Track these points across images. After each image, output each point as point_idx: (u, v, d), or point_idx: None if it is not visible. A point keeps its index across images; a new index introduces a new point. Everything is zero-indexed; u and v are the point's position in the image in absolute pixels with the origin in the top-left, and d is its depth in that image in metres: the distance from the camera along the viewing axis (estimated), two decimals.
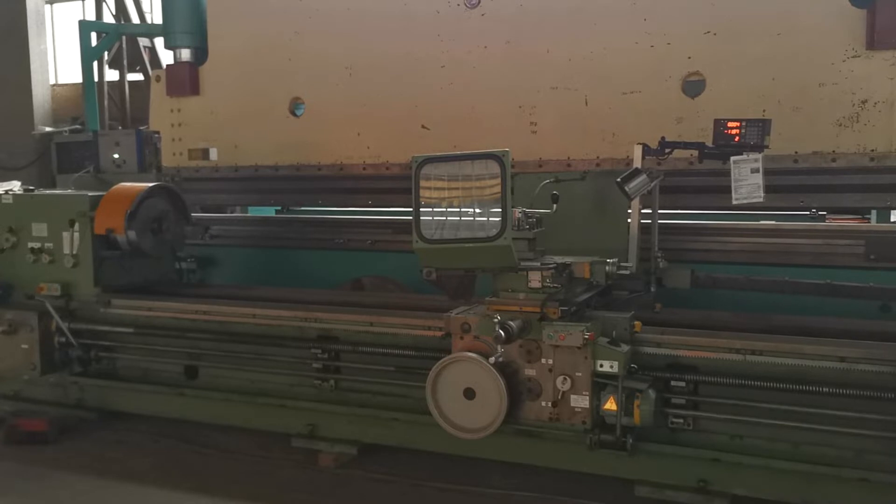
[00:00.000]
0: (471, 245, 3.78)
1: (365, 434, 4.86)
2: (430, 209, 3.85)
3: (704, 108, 4.84)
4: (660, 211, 4.61)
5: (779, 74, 4.74)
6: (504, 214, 3.69)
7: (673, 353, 4.08)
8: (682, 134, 4.73)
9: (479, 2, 5.42)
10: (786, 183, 4.74)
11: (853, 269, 4.80)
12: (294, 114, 6.16)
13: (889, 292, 4.57)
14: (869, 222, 5.89)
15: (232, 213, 7.45)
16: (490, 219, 3.74)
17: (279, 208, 7.40)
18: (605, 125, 5.14)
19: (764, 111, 4.68)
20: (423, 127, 5.65)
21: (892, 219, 6.08)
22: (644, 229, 4.53)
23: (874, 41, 4.52)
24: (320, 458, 4.89)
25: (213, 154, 6.37)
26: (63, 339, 5.43)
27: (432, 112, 5.63)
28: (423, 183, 3.84)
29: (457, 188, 3.80)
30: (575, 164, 5.22)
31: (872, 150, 4.61)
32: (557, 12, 5.23)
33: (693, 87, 4.98)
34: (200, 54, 6.51)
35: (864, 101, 4.60)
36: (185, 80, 6.47)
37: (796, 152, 4.73)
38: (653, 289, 4.55)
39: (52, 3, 15.25)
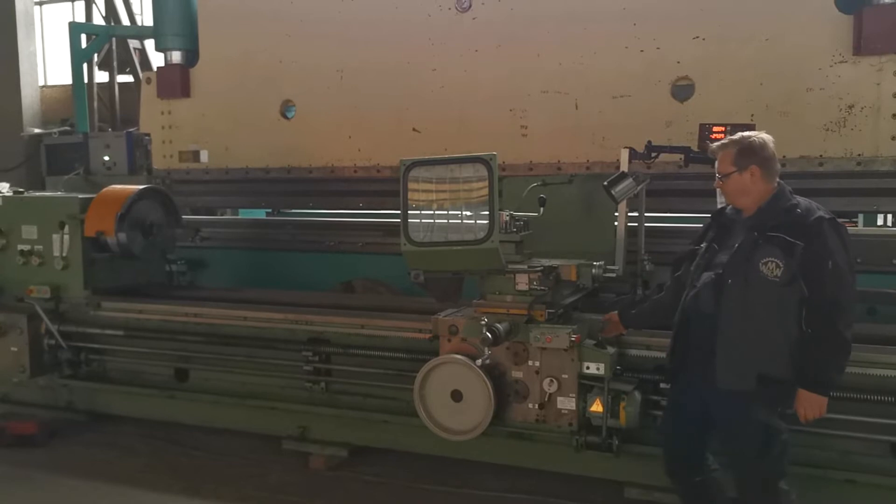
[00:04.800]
0: (458, 248, 3.84)
1: (356, 436, 4.92)
2: (418, 212, 3.90)
3: (693, 113, 4.92)
4: (648, 214, 4.68)
5: (766, 79, 4.83)
6: (491, 217, 3.75)
7: (662, 355, 4.12)
8: (672, 137, 4.80)
9: (470, 6, 5.49)
10: None
11: None
12: (285, 116, 6.20)
13: (876, 296, 4.64)
14: (856, 226, 5.97)
15: (222, 215, 7.47)
16: (477, 221, 3.80)
17: (269, 210, 7.43)
18: (595, 129, 5.21)
19: (752, 116, 4.76)
20: (413, 130, 5.71)
21: (879, 223, 6.16)
22: (631, 232, 4.60)
23: (861, 47, 4.62)
24: (311, 461, 4.94)
25: (204, 156, 6.41)
26: (53, 342, 5.48)
27: (423, 115, 5.69)
28: (411, 186, 3.90)
29: (445, 191, 3.86)
30: (565, 167, 5.29)
31: (859, 155, 4.70)
32: (548, 17, 5.30)
33: (682, 91, 5.05)
34: (191, 56, 6.56)
35: (850, 106, 4.69)
36: (175, 83, 6.52)
37: (784, 156, 4.76)
38: (639, 291, 4.61)
39: (41, 5, 15.25)
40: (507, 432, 4.22)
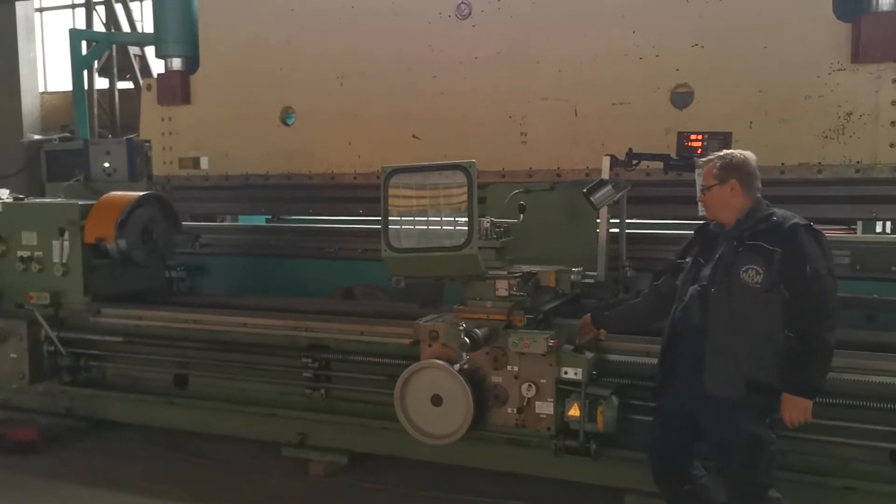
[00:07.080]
0: (438, 254, 3.91)
1: (356, 443, 4.98)
2: (399, 218, 3.97)
3: (692, 120, 4.99)
4: (632, 220, 4.73)
5: (765, 87, 4.89)
6: (470, 224, 3.83)
7: (642, 360, 4.17)
8: (671, 144, 4.83)
9: (470, 12, 5.53)
10: (772, 194, 4.77)
11: (839, 279, 4.86)
12: (285, 123, 6.24)
13: (874, 302, 4.66)
14: (855, 233, 6.00)
15: (222, 221, 7.49)
16: (457, 228, 3.88)
17: (269, 217, 7.44)
18: (595, 135, 5.27)
19: (751, 123, 4.82)
20: (413, 137, 5.74)
21: (878, 230, 6.18)
22: (613, 238, 4.64)
23: (859, 54, 4.69)
24: (311, 467, 5.00)
25: (204, 163, 6.47)
26: (52, 348, 5.56)
27: (423, 121, 5.76)
28: (391, 192, 3.98)
29: (425, 198, 3.94)
30: (564, 173, 5.34)
31: (858, 162, 4.77)
32: (547, 23, 5.36)
33: (681, 98, 5.12)
34: (191, 63, 6.64)
35: (849, 114, 4.75)
36: (176, 89, 6.59)
37: (783, 164, 4.86)
38: (621, 297, 4.63)
39: (42, 11, 15.30)
40: (506, 438, 4.26)
